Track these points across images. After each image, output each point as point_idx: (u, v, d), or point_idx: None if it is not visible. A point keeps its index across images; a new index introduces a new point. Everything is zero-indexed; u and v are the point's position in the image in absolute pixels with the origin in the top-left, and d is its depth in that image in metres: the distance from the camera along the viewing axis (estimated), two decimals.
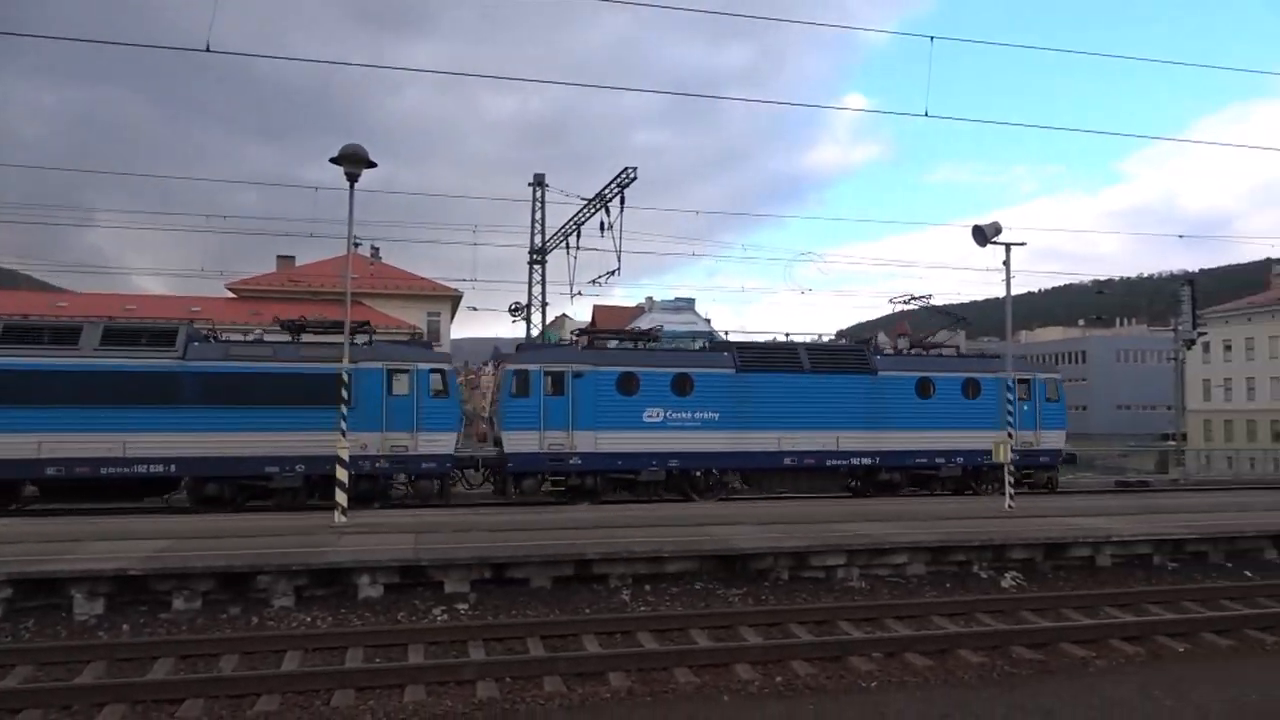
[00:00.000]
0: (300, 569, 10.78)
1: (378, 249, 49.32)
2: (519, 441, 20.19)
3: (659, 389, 20.93)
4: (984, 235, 17.14)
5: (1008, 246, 17.52)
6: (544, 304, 35.12)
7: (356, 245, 45.81)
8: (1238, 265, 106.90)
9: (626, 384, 20.84)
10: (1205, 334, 44.68)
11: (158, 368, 18.24)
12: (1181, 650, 9.26)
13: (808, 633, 9.80)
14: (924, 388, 22.80)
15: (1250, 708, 7.42)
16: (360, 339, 19.36)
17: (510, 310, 35.75)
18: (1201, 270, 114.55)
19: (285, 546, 11.89)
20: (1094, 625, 9.98)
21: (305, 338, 19.93)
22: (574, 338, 23.97)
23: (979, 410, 22.88)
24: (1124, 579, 12.90)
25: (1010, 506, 17.20)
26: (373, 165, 14.52)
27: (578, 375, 20.55)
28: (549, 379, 20.47)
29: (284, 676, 7.95)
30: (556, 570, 11.58)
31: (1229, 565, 13.79)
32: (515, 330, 52.66)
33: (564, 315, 69.33)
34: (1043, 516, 15.98)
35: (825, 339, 26.36)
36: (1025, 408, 22.77)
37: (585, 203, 30.44)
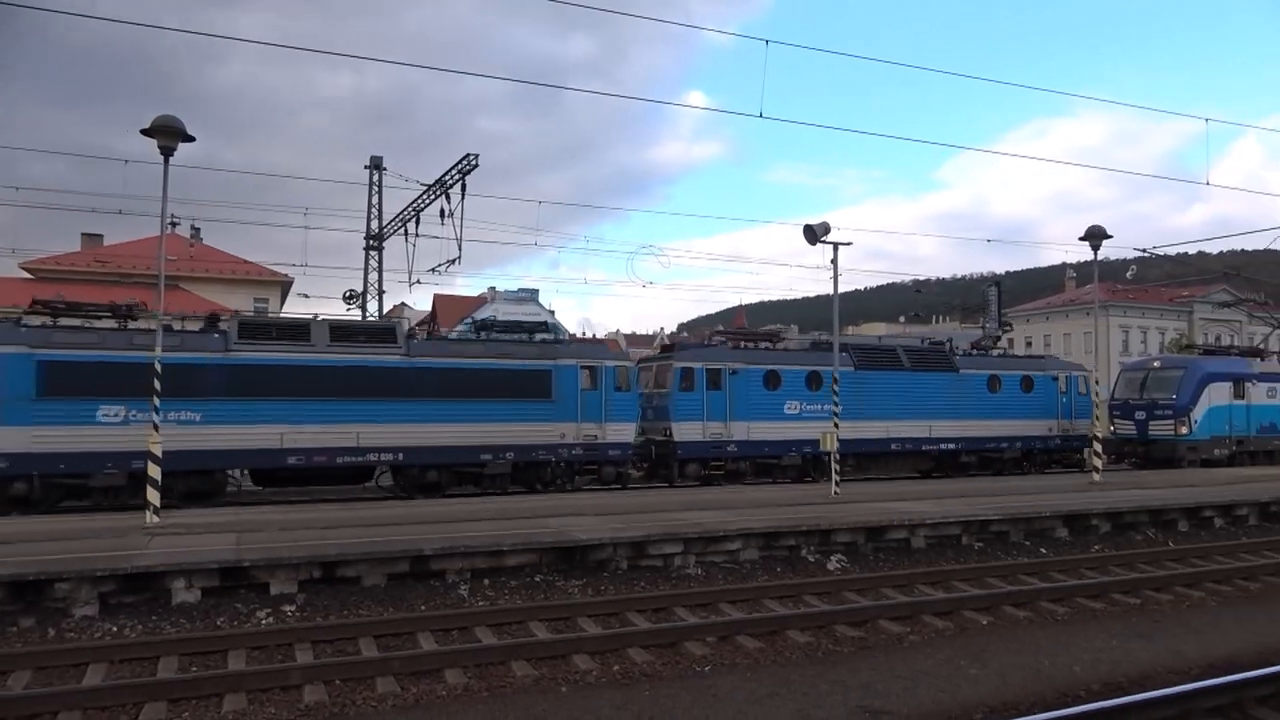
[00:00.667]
0: (105, 574, 9.95)
1: (198, 229, 46.27)
2: (686, 431, 22.69)
3: (797, 385, 24.14)
4: (814, 234, 17.93)
5: (835, 246, 18.39)
6: (381, 292, 33.95)
7: (174, 225, 42.86)
8: (1038, 268, 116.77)
9: (771, 380, 23.84)
10: (1010, 330, 48.60)
11: (385, 363, 19.48)
12: (985, 623, 10.04)
13: (645, 621, 9.96)
14: (993, 383, 26.94)
15: (1044, 672, 8.13)
16: (541, 337, 22.19)
17: (345, 298, 34.32)
18: (1007, 272, 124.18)
19: (89, 550, 10.97)
20: (909, 603, 10.64)
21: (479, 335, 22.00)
22: (715, 337, 26.89)
23: (1034, 402, 27.41)
24: (936, 558, 13.84)
25: (835, 493, 18.11)
26: (190, 139, 13.54)
27: (733, 373, 23.44)
28: (709, 375, 23.15)
29: (85, 692, 7.32)
30: (391, 567, 11.24)
31: (1027, 543, 15.05)
32: (350, 319, 50.72)
33: (403, 304, 67.30)
34: (866, 502, 16.92)
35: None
36: (1063, 400, 27.75)
37: (425, 188, 29.62)
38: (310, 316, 20.10)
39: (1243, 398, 28.29)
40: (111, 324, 18.15)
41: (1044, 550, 14.69)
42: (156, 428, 13.87)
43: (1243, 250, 64.18)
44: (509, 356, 20.71)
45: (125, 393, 16.75)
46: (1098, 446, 22.28)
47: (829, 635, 9.40)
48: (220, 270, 43.38)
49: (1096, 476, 21.69)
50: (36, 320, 17.71)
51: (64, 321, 17.83)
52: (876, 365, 25.42)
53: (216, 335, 18.72)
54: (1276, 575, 12.64)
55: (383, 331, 20.31)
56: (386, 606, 10.53)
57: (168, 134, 13.32)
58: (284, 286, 45.57)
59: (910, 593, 11.51)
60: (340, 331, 19.62)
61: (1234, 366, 29.01)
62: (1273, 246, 37.54)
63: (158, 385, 13.94)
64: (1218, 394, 27.81)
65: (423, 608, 10.52)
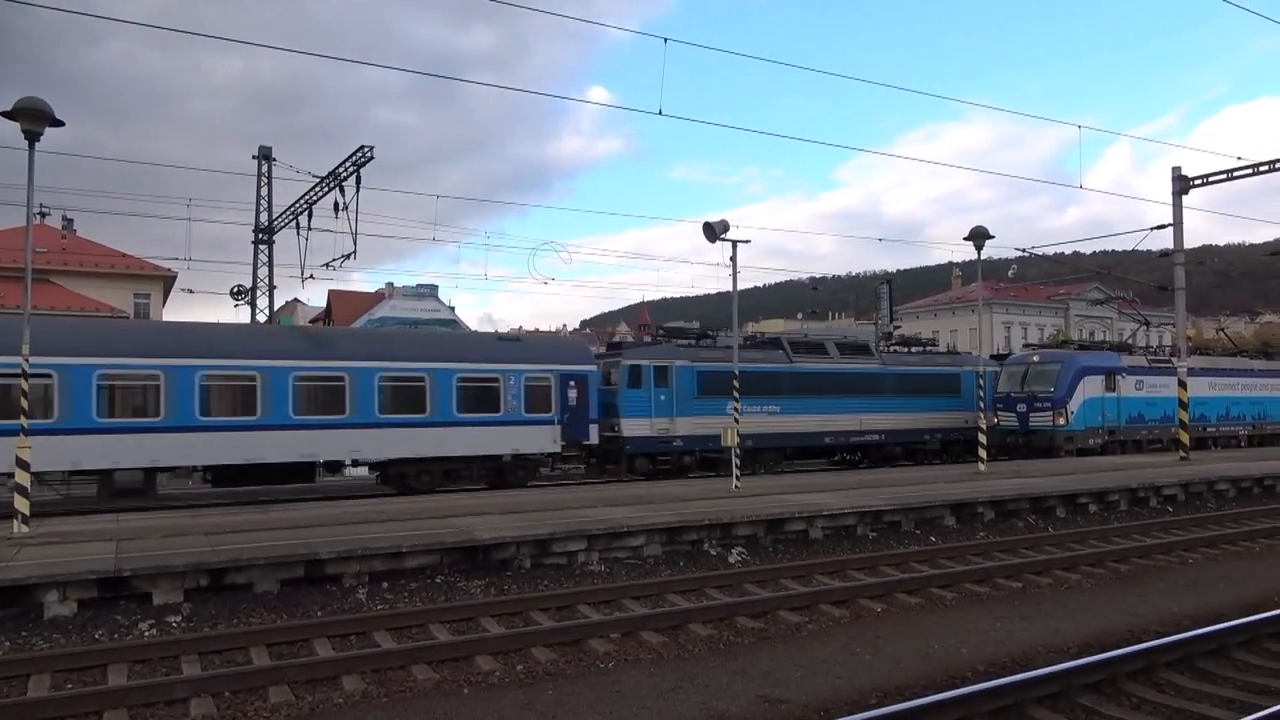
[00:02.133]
0: None
1: (71, 220, 43.66)
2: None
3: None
4: (713, 232, 18.16)
5: (734, 244, 18.66)
6: (271, 287, 32.78)
7: (44, 215, 40.34)
8: (927, 267, 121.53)
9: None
10: (900, 327, 50.35)
11: (870, 370, 28.48)
12: (880, 610, 10.37)
13: (549, 619, 9.90)
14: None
15: (934, 655, 8.44)
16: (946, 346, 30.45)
17: (233, 293, 33.00)
18: (899, 270, 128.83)
19: None
20: (807, 593, 10.90)
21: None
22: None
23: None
24: (833, 549, 14.23)
25: (736, 487, 18.40)
26: (58, 123, 12.73)
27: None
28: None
29: None
30: (285, 572, 10.85)
31: (918, 531, 15.62)
32: (239, 315, 48.72)
33: (296, 300, 65.13)
34: (767, 495, 17.25)
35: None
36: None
37: (318, 180, 28.70)
38: (819, 338, 29.88)
39: (1114, 390, 30.04)
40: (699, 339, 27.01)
41: (934, 538, 15.27)
42: (25, 432, 13.03)
43: (1113, 251, 68.40)
44: (936, 364, 30.50)
45: (747, 392, 21.87)
46: (983, 438, 23.30)
47: (730, 627, 9.54)
48: (96, 264, 40.96)
49: (981, 467, 22.67)
50: (684, 341, 26.67)
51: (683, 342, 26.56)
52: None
53: (780, 351, 27.21)
54: (1144, 558, 13.48)
55: (864, 347, 30.02)
56: (280, 613, 10.17)
57: (32, 117, 12.48)
58: (166, 281, 43.41)
59: (808, 583, 11.79)
60: (847, 348, 28.79)
61: (1106, 360, 30.76)
62: (1140, 248, 39.98)
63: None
64: (1092, 387, 29.46)
65: (319, 613, 10.20)
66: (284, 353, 19.99)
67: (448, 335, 33.79)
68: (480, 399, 21.93)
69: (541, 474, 24.88)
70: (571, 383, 23.09)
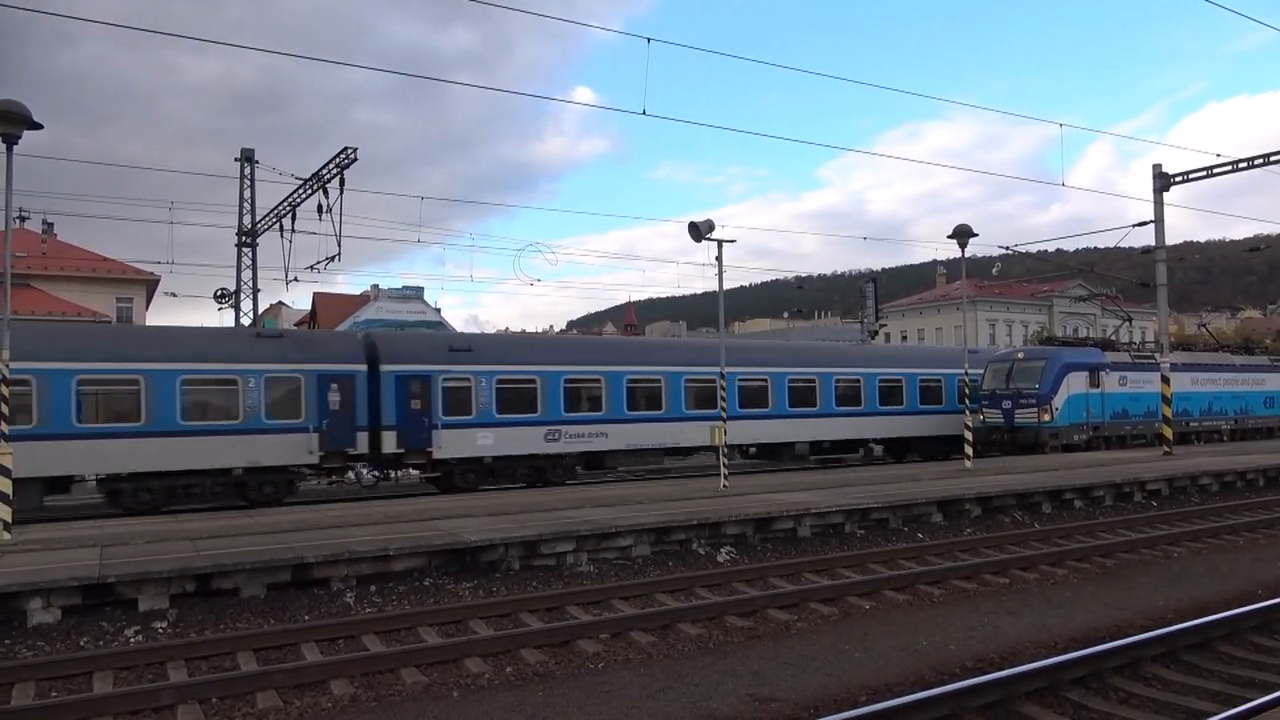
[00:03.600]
0: None
1: (51, 224, 43.31)
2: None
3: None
4: (699, 231, 18.19)
5: (719, 243, 18.69)
6: (255, 290, 32.55)
7: (24, 219, 39.99)
8: (911, 265, 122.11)
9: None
10: (885, 325, 50.59)
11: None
12: (868, 607, 10.40)
13: (538, 621, 9.88)
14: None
15: (922, 652, 8.48)
16: None
17: (216, 297, 32.75)
18: (883, 269, 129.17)
19: None
20: (796, 591, 10.92)
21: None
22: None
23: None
24: (821, 547, 14.26)
25: (724, 486, 18.43)
26: (37, 126, 12.60)
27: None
28: None
29: None
30: (271, 577, 10.79)
31: (906, 529, 15.68)
32: (223, 319, 48.39)
33: (280, 303, 64.77)
34: (753, 494, 17.27)
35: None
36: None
37: (301, 182, 28.53)
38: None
39: (1098, 386, 30.24)
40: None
41: (921, 535, 15.33)
42: (5, 438, 12.90)
43: (1096, 248, 68.73)
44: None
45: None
46: (969, 435, 23.41)
47: (720, 626, 9.55)
48: (78, 268, 40.69)
49: (968, 464, 22.78)
50: None
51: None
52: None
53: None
54: (1130, 552, 13.58)
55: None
56: (267, 618, 10.11)
57: (10, 120, 12.35)
58: (149, 285, 43.14)
59: (797, 581, 11.82)
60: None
61: (1090, 357, 30.96)
62: (1122, 245, 40.29)
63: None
64: (1076, 383, 29.63)
65: (306, 618, 10.15)
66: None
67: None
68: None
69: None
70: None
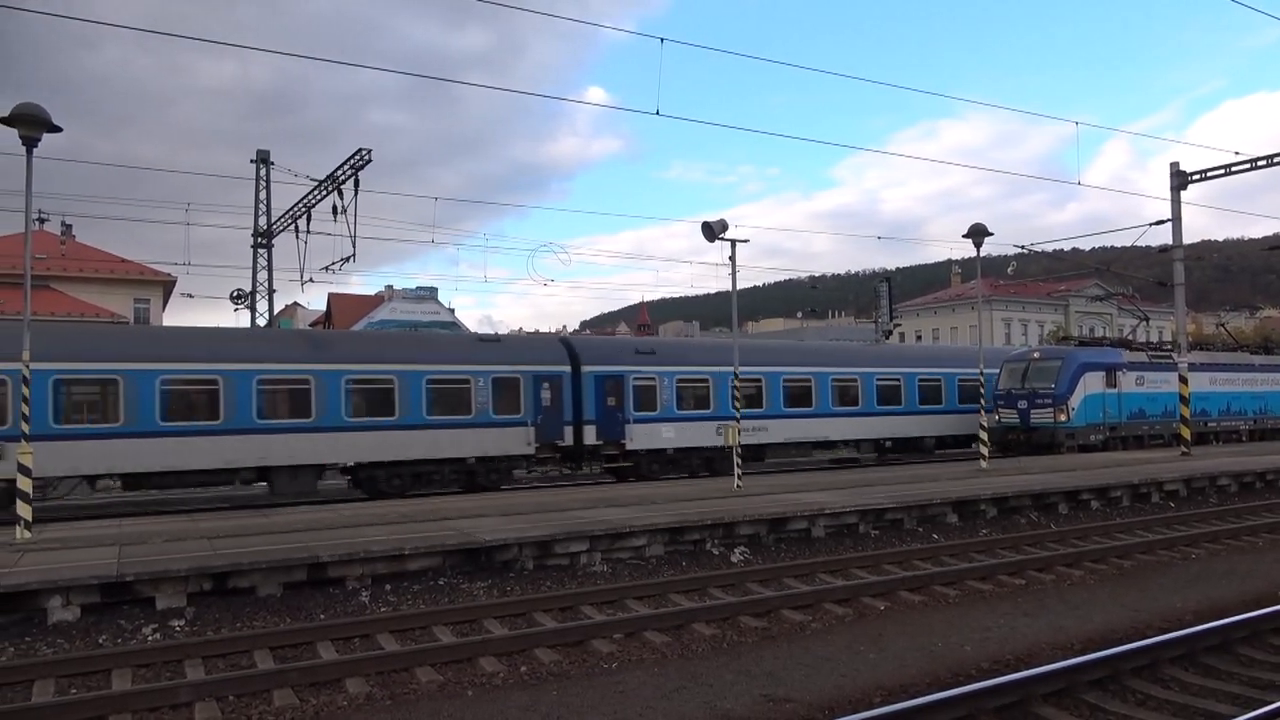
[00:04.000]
0: None
1: (70, 226, 43.69)
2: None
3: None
4: (712, 231, 18.15)
5: (733, 243, 18.66)
6: (271, 291, 32.77)
7: (43, 221, 40.39)
8: (926, 264, 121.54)
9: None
10: (900, 325, 50.39)
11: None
12: (883, 608, 10.36)
13: (552, 620, 9.90)
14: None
15: (938, 653, 8.44)
16: None
17: (233, 298, 32.98)
18: (897, 268, 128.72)
19: None
20: (810, 591, 10.89)
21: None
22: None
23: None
24: (835, 547, 14.22)
25: (738, 486, 18.40)
26: (56, 129, 12.72)
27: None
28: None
29: None
30: (287, 576, 10.85)
31: (920, 529, 15.61)
32: (239, 319, 48.71)
33: (296, 304, 65.08)
34: (768, 494, 17.24)
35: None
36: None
37: (316, 184, 28.69)
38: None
39: (1115, 386, 30.02)
40: None
41: (936, 535, 15.26)
42: (26, 438, 13.02)
43: (1112, 246, 68.19)
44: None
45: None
46: (984, 435, 23.29)
47: (734, 626, 9.53)
48: (96, 269, 41.03)
49: (983, 464, 22.66)
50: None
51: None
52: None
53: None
54: (1147, 553, 13.47)
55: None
56: (283, 617, 10.18)
57: (30, 123, 12.45)
58: (166, 286, 43.46)
59: (811, 582, 11.79)
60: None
61: (1107, 357, 30.73)
62: (1139, 243, 39.91)
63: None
64: (1093, 383, 29.43)
65: (322, 616, 10.20)
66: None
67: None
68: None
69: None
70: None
